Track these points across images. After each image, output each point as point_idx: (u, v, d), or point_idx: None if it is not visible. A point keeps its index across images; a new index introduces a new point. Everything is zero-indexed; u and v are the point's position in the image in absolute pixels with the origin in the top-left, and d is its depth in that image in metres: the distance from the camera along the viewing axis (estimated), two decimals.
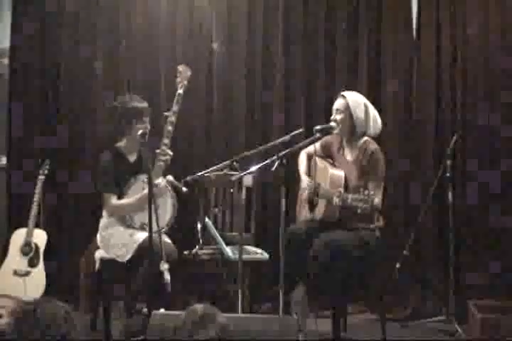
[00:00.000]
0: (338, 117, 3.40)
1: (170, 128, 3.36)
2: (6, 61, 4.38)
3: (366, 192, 3.06)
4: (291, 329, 3.14)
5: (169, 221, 3.37)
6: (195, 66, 3.87)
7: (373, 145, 3.40)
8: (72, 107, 4.28)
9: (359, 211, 3.07)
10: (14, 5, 4.32)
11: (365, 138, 3.43)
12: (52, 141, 4.26)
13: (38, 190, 3.93)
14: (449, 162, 3.73)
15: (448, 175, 3.74)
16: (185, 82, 3.48)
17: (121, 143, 3.42)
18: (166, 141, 3.35)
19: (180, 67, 3.52)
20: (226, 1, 4.27)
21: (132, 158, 3.43)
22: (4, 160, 4.36)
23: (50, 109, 4.29)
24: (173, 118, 3.37)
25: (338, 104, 3.41)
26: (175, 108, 3.39)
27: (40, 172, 3.98)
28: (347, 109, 3.37)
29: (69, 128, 4.27)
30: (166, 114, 3.39)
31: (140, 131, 3.22)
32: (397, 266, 3.73)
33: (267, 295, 4.01)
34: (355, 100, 3.39)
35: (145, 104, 3.36)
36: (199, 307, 1.97)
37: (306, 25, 4.23)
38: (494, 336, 3.32)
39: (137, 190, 3.30)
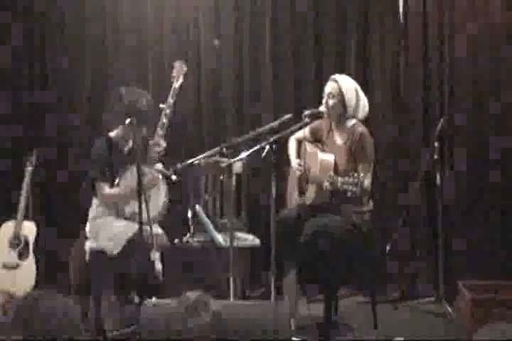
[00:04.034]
0: (331, 102, 3.39)
1: (165, 120, 3.37)
2: None
3: (356, 174, 3.07)
4: (283, 314, 3.18)
5: (162, 211, 3.37)
6: (183, 56, 3.86)
7: (362, 128, 3.41)
8: (60, 97, 4.26)
9: (349, 194, 3.08)
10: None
11: (354, 120, 3.44)
12: (40, 131, 4.24)
13: (26, 181, 3.90)
14: (436, 144, 3.76)
15: (436, 157, 3.76)
16: (181, 77, 3.50)
17: (115, 133, 3.41)
18: (161, 132, 3.36)
19: (177, 63, 3.53)
20: None
21: (125, 148, 3.42)
22: None
23: (38, 98, 4.27)
24: (168, 111, 3.38)
25: (330, 88, 3.40)
26: (170, 101, 3.40)
27: (28, 163, 3.95)
28: (339, 94, 3.37)
29: (57, 118, 4.26)
30: (161, 106, 3.40)
31: (128, 120, 3.20)
32: (387, 248, 3.76)
33: (258, 281, 4.02)
34: (347, 84, 3.39)
35: (151, 110, 3.37)
36: (192, 294, 1.97)
37: (294, 13, 4.22)
38: (484, 316, 3.36)
39: (129, 180, 3.28)
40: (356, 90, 3.41)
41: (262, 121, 4.02)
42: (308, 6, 4.22)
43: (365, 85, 4.08)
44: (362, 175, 3.10)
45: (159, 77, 4.08)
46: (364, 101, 3.43)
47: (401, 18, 4.18)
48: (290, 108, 4.08)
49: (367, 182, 3.19)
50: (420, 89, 4.18)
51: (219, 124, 4.24)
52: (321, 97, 3.45)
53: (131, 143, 3.41)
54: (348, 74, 3.50)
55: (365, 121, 3.48)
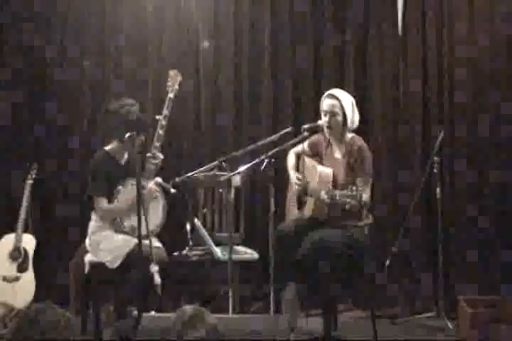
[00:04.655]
0: (334, 119, 3.38)
1: (161, 131, 3.36)
2: None
3: (354, 188, 3.07)
4: (282, 328, 3.16)
5: (160, 224, 3.37)
6: (182, 67, 3.88)
7: (360, 142, 3.41)
8: (61, 110, 4.26)
9: (347, 207, 3.08)
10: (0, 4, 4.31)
11: (352, 134, 3.45)
12: (41, 143, 4.24)
13: (26, 193, 3.91)
14: (436, 158, 3.75)
15: (435, 171, 3.76)
16: (176, 87, 3.47)
17: (112, 146, 3.40)
18: (157, 144, 3.35)
19: (172, 72, 3.51)
20: (213, 2, 4.27)
21: (122, 160, 3.41)
22: None
23: (38, 111, 4.27)
24: (164, 122, 3.37)
25: (332, 105, 3.38)
26: (166, 112, 3.39)
27: (29, 176, 3.96)
28: (341, 111, 3.37)
29: (57, 130, 4.26)
30: (157, 117, 3.39)
31: (128, 134, 3.20)
32: (387, 262, 3.75)
33: (257, 294, 4.00)
34: (346, 100, 3.40)
35: (144, 117, 3.37)
36: (188, 308, 1.98)
37: (293, 25, 4.23)
38: (484, 331, 3.34)
39: (127, 193, 3.27)
40: (353, 103, 3.42)
41: (261, 135, 3.98)
42: (307, 18, 4.20)
43: (364, 97, 4.09)
44: (360, 188, 3.10)
45: (159, 87, 4.06)
46: (357, 112, 3.44)
47: (400, 29, 4.17)
48: (289, 121, 4.09)
49: (365, 195, 3.18)
50: (420, 103, 4.15)
51: (218, 137, 4.22)
52: (318, 109, 3.44)
53: (127, 155, 3.41)
54: (346, 88, 3.50)
55: (365, 135, 3.49)
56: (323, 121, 3.39)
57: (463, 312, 3.51)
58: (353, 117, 3.40)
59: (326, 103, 3.40)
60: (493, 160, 4.10)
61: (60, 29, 4.28)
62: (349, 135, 3.43)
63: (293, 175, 3.48)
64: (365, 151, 3.38)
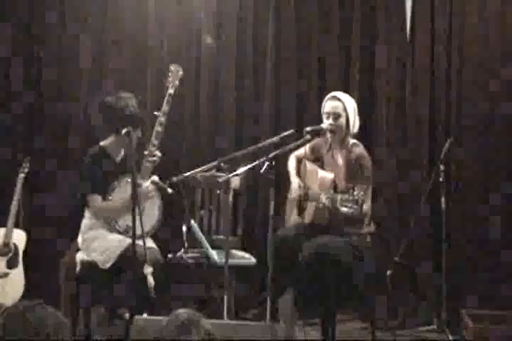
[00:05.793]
0: (337, 121, 3.33)
1: (159, 128, 3.29)
2: None
3: (355, 193, 3.01)
4: (278, 336, 3.07)
5: (156, 224, 3.32)
6: (183, 63, 3.81)
7: (359, 150, 3.36)
8: (56, 104, 4.21)
9: (346, 210, 3.02)
10: None
11: (353, 140, 3.39)
12: (34, 138, 4.19)
13: (17, 188, 3.84)
14: (442, 167, 3.68)
15: (441, 180, 3.68)
16: (177, 82, 3.41)
17: (107, 142, 3.32)
18: (155, 141, 3.28)
19: (172, 67, 3.44)
20: None
21: (118, 157, 3.34)
22: None
23: (33, 106, 4.21)
24: (163, 119, 3.30)
25: (335, 107, 3.33)
26: (165, 108, 3.32)
27: (20, 170, 3.89)
28: (344, 112, 3.33)
29: (52, 125, 4.21)
30: (156, 113, 3.31)
31: (125, 130, 3.11)
32: (388, 273, 3.66)
33: (253, 301, 3.94)
34: (349, 102, 3.36)
35: (142, 112, 3.29)
36: (183, 312, 1.90)
37: (299, 25, 4.18)
38: None
39: (122, 191, 3.21)
40: (354, 107, 3.38)
41: (263, 136, 3.92)
42: (313, 18, 4.14)
43: (370, 103, 4.03)
44: (361, 194, 3.02)
45: (159, 83, 3.99)
46: (357, 116, 3.39)
47: (408, 32, 4.12)
48: (292, 123, 4.01)
49: (366, 206, 3.12)
50: (427, 109, 4.09)
51: (218, 137, 4.17)
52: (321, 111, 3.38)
53: (123, 151, 3.33)
54: (352, 91, 3.45)
55: (369, 142, 3.43)
56: (326, 123, 3.32)
57: (465, 326, 3.46)
58: (355, 121, 3.36)
59: (328, 105, 3.35)
60: (501, 170, 4.03)
61: (59, 21, 4.22)
62: (351, 141, 3.37)
63: (294, 181, 3.41)
64: (364, 159, 3.32)
